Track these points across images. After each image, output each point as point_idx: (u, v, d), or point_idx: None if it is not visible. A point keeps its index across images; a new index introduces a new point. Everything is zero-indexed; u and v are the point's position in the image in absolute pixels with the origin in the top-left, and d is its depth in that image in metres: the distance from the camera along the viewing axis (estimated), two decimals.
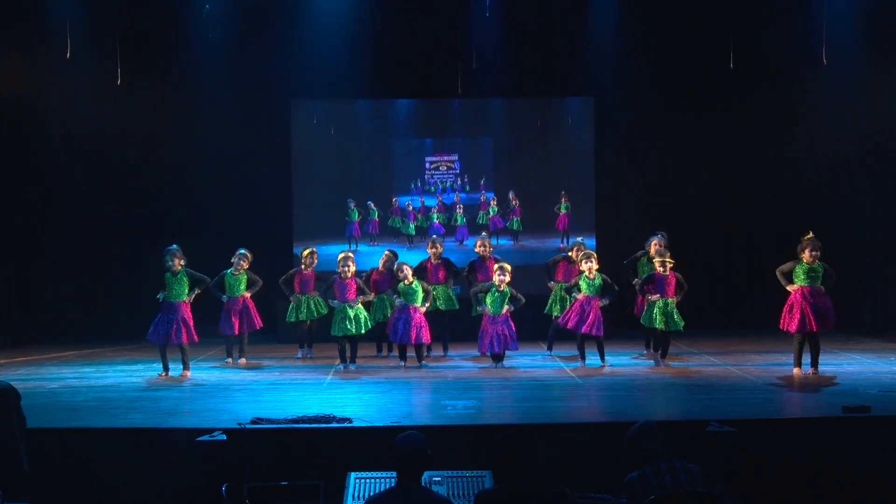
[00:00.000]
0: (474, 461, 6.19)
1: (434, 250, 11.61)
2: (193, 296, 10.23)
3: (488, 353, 10.57)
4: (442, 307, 11.50)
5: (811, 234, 9.73)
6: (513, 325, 10.48)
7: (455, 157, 14.42)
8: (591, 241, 13.48)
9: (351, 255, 10.89)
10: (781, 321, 9.83)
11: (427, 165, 14.39)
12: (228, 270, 11.05)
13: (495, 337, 10.38)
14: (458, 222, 14.43)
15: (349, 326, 10.46)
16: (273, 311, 12.48)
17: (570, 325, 10.51)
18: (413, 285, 10.51)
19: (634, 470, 5.07)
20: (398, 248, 13.28)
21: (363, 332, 10.64)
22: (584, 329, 10.37)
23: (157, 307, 10.21)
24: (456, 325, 11.92)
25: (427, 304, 10.66)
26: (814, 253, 9.62)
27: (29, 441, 5.89)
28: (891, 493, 6.98)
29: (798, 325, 9.62)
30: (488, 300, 10.44)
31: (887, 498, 6.95)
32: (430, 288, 10.94)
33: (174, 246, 10.29)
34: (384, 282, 11.38)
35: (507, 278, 10.42)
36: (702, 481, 5.00)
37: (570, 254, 11.31)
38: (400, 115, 14.49)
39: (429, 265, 11.55)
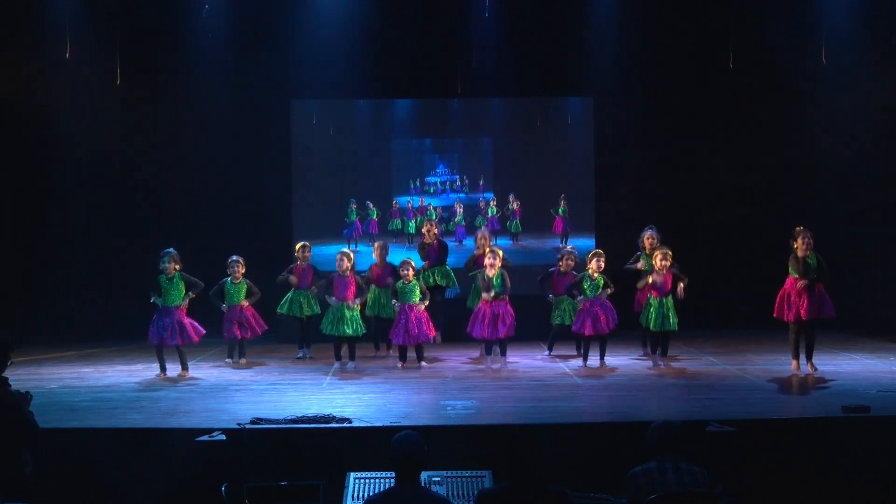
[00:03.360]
0: (474, 461, 6.20)
1: (426, 229, 11.72)
2: (188, 300, 10.23)
3: (477, 337, 10.54)
4: (441, 282, 11.55)
5: (801, 227, 9.75)
6: (511, 310, 10.45)
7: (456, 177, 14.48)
8: (591, 242, 13.49)
9: (348, 252, 10.90)
10: (775, 310, 9.85)
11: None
12: (228, 279, 11.01)
13: (489, 320, 10.35)
14: (458, 221, 14.43)
15: (345, 328, 10.46)
16: (271, 310, 12.44)
17: (587, 331, 10.47)
18: (411, 284, 10.51)
19: (639, 465, 5.11)
20: (399, 248, 13.28)
21: (360, 333, 10.63)
22: (604, 329, 10.39)
23: (155, 308, 10.22)
24: (456, 325, 11.90)
25: (425, 303, 10.65)
26: (806, 240, 9.60)
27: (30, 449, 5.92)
28: (891, 493, 6.98)
29: (794, 315, 9.63)
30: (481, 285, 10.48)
31: (887, 498, 6.95)
32: (427, 290, 10.94)
33: (171, 249, 10.28)
34: (385, 274, 11.36)
35: (498, 262, 10.40)
36: (706, 485, 5.01)
37: (560, 265, 11.29)
38: (400, 115, 14.48)
39: (426, 245, 11.56)
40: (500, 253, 10.59)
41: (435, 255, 11.56)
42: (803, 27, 12.94)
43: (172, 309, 10.11)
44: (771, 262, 10.16)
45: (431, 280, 11.50)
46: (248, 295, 11.03)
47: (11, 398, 5.82)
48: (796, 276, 9.66)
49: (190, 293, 10.26)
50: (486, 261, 10.42)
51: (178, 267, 10.18)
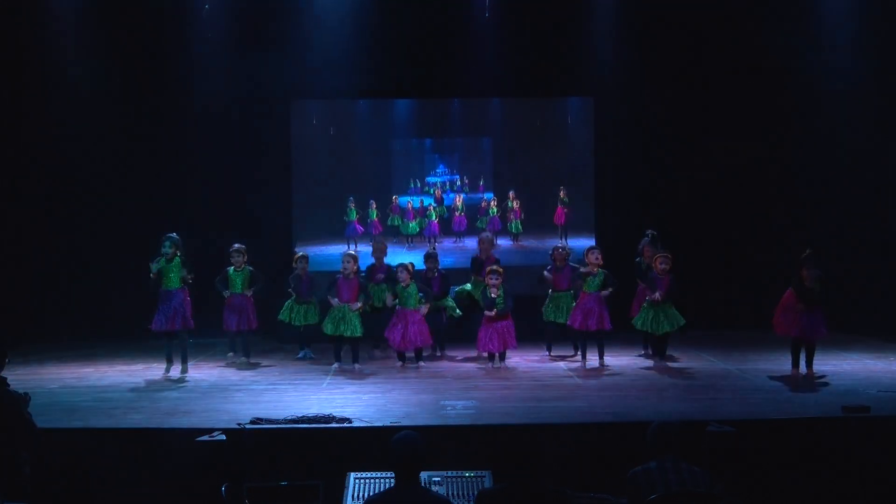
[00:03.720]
0: (474, 461, 6.20)
1: (430, 264, 11.64)
2: (184, 277, 10.35)
3: (484, 353, 10.61)
4: (446, 315, 11.58)
5: (808, 252, 9.74)
6: (512, 322, 10.52)
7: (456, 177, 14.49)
8: (591, 242, 13.45)
9: (354, 254, 10.92)
10: (775, 318, 9.89)
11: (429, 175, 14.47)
12: (230, 267, 11.06)
13: (495, 336, 10.40)
14: (459, 211, 14.41)
15: (343, 328, 10.48)
16: (273, 311, 12.46)
17: (577, 325, 10.59)
18: (410, 288, 10.52)
19: (639, 465, 5.12)
20: (398, 249, 13.28)
21: (357, 335, 10.62)
22: (593, 325, 10.42)
23: (155, 308, 10.25)
24: (455, 326, 11.91)
25: (427, 305, 10.68)
26: (809, 272, 9.62)
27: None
28: (891, 493, 6.99)
29: (785, 329, 9.72)
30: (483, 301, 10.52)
31: (887, 498, 6.96)
32: (429, 290, 10.96)
33: (175, 235, 10.35)
34: (379, 270, 11.45)
35: (499, 281, 10.44)
36: (706, 485, 5.01)
37: (555, 261, 11.32)
38: (399, 116, 14.47)
39: (428, 278, 11.57)
40: (500, 270, 10.62)
41: (437, 287, 11.55)
42: (803, 27, 12.95)
43: (173, 292, 10.18)
44: (771, 262, 10.15)
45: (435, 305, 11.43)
46: (253, 282, 11.07)
47: (10, 398, 5.82)
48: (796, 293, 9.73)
49: (188, 275, 10.33)
50: (489, 280, 10.46)
51: (178, 253, 10.25)
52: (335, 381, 9.85)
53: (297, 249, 12.81)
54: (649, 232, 11.18)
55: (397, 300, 10.55)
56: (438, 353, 11.53)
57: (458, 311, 11.57)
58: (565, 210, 14.22)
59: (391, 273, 11.07)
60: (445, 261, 12.38)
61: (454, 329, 11.90)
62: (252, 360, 11.14)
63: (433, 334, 10.99)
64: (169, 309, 10.18)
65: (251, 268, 11.12)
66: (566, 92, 14.27)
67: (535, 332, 11.80)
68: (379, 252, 11.60)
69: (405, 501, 4.63)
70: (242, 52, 13.29)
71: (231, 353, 11.11)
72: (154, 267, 10.20)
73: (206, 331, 11.33)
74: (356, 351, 10.62)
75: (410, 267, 10.70)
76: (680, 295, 10.45)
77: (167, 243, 10.24)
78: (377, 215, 14.31)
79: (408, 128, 14.53)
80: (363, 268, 11.64)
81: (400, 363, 10.65)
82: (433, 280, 11.45)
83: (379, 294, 11.31)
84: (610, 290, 10.55)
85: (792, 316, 9.67)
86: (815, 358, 9.83)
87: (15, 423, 5.80)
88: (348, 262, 10.59)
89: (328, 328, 10.57)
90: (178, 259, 10.25)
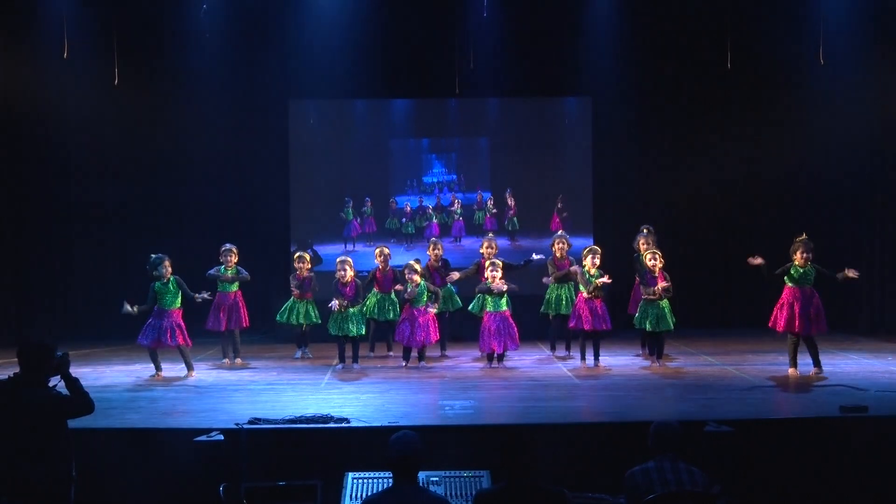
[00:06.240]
0: (472, 461, 6.20)
1: (435, 252, 11.63)
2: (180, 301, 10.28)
3: (486, 352, 10.60)
4: (450, 308, 11.55)
5: (804, 236, 9.75)
6: (513, 323, 10.52)
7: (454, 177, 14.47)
8: (589, 241, 13.45)
9: (348, 259, 10.86)
10: (771, 319, 9.88)
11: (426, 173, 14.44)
12: (221, 266, 11.04)
13: (495, 335, 10.41)
14: (456, 217, 14.39)
15: (349, 327, 10.51)
16: (268, 310, 12.46)
17: (570, 323, 10.65)
18: (419, 287, 10.52)
19: (637, 465, 5.12)
20: (396, 249, 13.26)
21: (361, 333, 10.66)
22: (600, 325, 10.43)
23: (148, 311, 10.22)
24: (455, 326, 11.91)
25: (437, 304, 10.71)
26: (805, 255, 9.63)
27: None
28: (889, 493, 6.99)
29: (785, 324, 9.71)
30: (488, 298, 10.50)
31: (886, 498, 6.96)
32: (438, 289, 10.95)
33: (162, 255, 10.22)
34: (387, 281, 11.35)
35: (499, 273, 10.45)
36: (704, 485, 5.01)
37: (554, 251, 11.33)
38: (397, 116, 14.46)
39: (430, 267, 11.55)
40: (500, 263, 10.64)
41: (439, 278, 11.52)
42: (801, 27, 12.96)
43: (168, 311, 10.12)
44: (770, 262, 10.12)
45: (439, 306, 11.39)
46: (241, 281, 11.09)
47: (48, 401, 5.77)
48: (791, 284, 9.71)
49: (201, 296, 10.28)
50: (488, 273, 10.50)
51: (171, 270, 10.18)
52: (333, 381, 9.85)
53: (293, 249, 12.81)
54: (644, 227, 11.20)
55: (409, 303, 10.55)
56: (438, 354, 11.53)
57: (457, 300, 11.61)
58: (560, 218, 14.18)
59: (397, 277, 11.04)
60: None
61: (454, 329, 11.91)
62: (247, 360, 11.13)
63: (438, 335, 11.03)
64: (160, 327, 10.07)
65: (240, 268, 11.11)
66: (563, 92, 14.27)
67: (536, 332, 11.81)
68: (383, 259, 11.50)
69: (403, 501, 4.63)
70: (240, 52, 13.30)
71: (226, 360, 11.09)
72: (151, 296, 10.08)
73: (200, 331, 11.30)
74: (356, 350, 10.63)
75: (417, 265, 10.66)
76: (671, 295, 10.45)
77: (160, 267, 10.08)
78: (372, 212, 14.27)
79: (405, 128, 14.52)
80: (365, 272, 11.62)
81: (405, 363, 10.64)
82: (436, 271, 11.46)
83: (387, 306, 11.30)
84: (600, 282, 10.51)
85: (788, 312, 9.68)
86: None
87: (58, 429, 5.76)
88: (342, 268, 10.61)
89: (332, 328, 10.61)
90: (173, 280, 10.15)
